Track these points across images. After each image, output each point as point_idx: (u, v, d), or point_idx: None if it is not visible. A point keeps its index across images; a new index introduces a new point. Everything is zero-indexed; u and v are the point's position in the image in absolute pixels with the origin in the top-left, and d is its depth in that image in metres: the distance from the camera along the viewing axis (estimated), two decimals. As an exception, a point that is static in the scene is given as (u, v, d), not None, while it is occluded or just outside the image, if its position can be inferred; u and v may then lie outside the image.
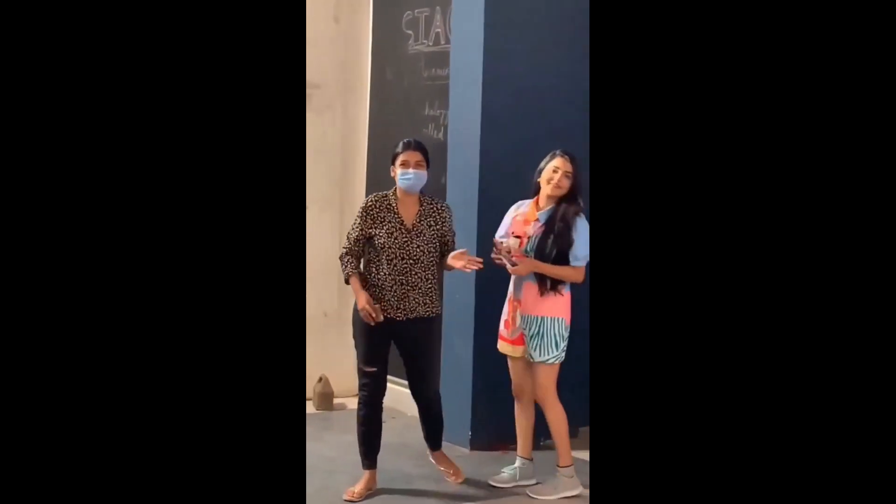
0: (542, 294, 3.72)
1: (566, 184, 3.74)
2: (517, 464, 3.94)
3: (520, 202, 3.90)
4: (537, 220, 3.78)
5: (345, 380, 4.96)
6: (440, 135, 4.94)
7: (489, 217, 4.34)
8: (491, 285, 4.30)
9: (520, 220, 3.83)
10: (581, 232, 3.73)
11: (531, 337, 3.75)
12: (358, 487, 3.70)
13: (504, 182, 4.39)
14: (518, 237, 3.79)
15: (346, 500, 3.64)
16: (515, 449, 3.99)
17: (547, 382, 3.75)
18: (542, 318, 3.73)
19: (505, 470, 3.95)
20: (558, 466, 3.80)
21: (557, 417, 3.76)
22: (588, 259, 3.73)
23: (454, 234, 3.80)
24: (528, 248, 3.75)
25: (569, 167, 3.74)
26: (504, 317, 3.89)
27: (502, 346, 3.91)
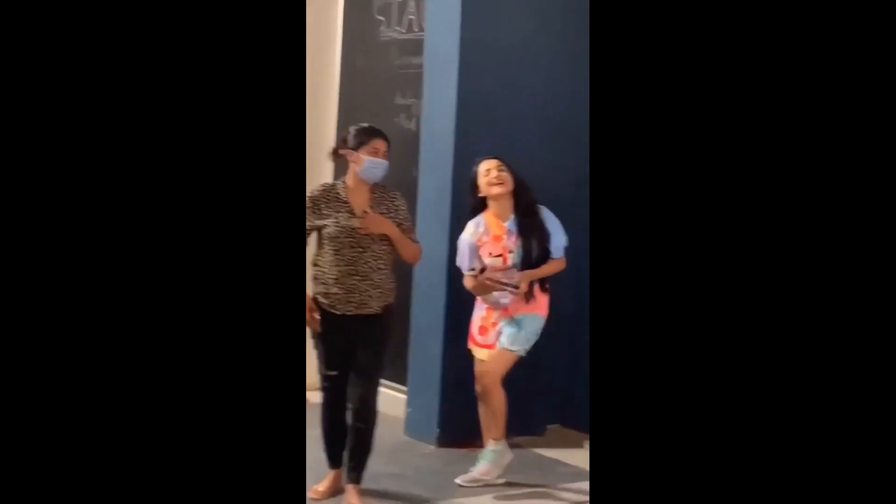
0: (528, 301, 3.70)
1: (506, 177, 3.70)
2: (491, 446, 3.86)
3: (471, 223, 3.77)
4: (508, 231, 3.71)
5: (308, 373, 4.84)
6: (412, 124, 4.84)
7: (463, 211, 4.25)
8: (462, 278, 4.21)
9: (489, 240, 3.73)
10: (551, 222, 3.74)
11: (508, 325, 3.72)
12: (322, 486, 3.59)
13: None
14: (498, 255, 3.71)
15: (310, 499, 3.53)
16: (481, 447, 3.90)
17: (500, 371, 3.73)
18: (526, 315, 3.73)
19: (473, 469, 3.87)
20: (494, 440, 3.79)
21: (502, 402, 3.75)
22: (566, 244, 3.76)
23: (411, 222, 3.62)
24: (515, 262, 3.70)
25: (497, 163, 3.71)
26: (478, 322, 3.84)
27: (475, 350, 3.85)
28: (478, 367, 3.82)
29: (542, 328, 3.76)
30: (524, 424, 4.34)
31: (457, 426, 4.34)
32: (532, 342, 3.74)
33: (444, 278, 4.25)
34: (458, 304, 4.24)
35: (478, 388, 3.77)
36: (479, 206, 3.77)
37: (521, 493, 3.76)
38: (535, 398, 4.32)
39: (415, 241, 3.59)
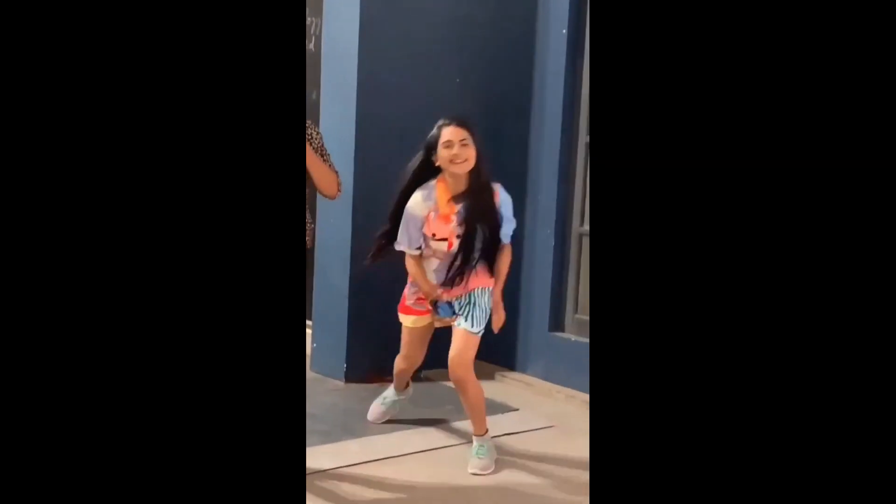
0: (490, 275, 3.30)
1: (469, 153, 3.13)
2: (393, 396, 3.72)
3: (419, 193, 3.19)
4: (458, 212, 3.18)
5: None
6: (310, 44, 4.59)
7: (368, 137, 4.07)
8: (368, 208, 4.05)
9: (435, 220, 3.20)
10: (505, 205, 3.26)
11: (463, 307, 3.29)
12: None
13: (385, 99, 4.10)
14: (443, 240, 3.21)
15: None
16: (391, 381, 3.76)
17: (473, 356, 3.27)
18: (474, 291, 3.29)
19: (382, 402, 3.73)
20: (479, 436, 3.33)
21: (480, 391, 3.34)
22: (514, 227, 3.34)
23: (327, 153, 3.22)
24: (457, 250, 3.22)
25: (462, 134, 3.13)
26: (413, 297, 3.38)
27: (414, 320, 3.40)
28: (414, 341, 3.43)
29: (490, 299, 3.35)
30: (435, 358, 4.24)
31: (364, 361, 4.22)
32: (487, 315, 3.31)
33: (350, 209, 4.07)
34: (363, 236, 4.08)
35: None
36: (432, 171, 3.21)
37: (432, 428, 3.67)
38: (445, 332, 4.21)
39: (333, 169, 3.18)
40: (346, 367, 4.20)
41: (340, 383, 4.19)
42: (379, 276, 3.92)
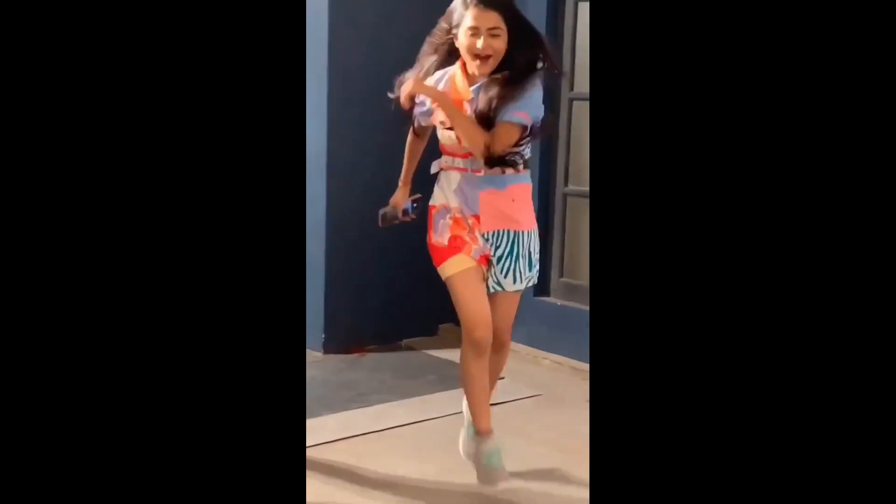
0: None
1: (498, 46, 2.49)
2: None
3: (432, 78, 2.64)
4: (471, 99, 2.56)
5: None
6: None
7: (341, 96, 3.88)
8: (346, 172, 3.89)
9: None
10: (530, 92, 2.54)
11: (500, 259, 2.65)
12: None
13: (358, 52, 3.93)
14: (450, 129, 2.60)
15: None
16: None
17: (513, 315, 2.77)
18: (517, 234, 2.65)
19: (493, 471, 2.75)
20: (485, 433, 2.78)
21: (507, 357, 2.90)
22: (529, 120, 2.53)
23: None
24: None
25: (493, 20, 2.49)
26: (445, 232, 2.65)
27: (457, 262, 2.63)
28: (479, 296, 2.64)
29: (538, 242, 2.74)
30: (416, 325, 4.12)
31: (343, 330, 4.07)
32: (536, 265, 2.72)
33: (324, 172, 3.90)
34: (342, 200, 3.93)
35: (495, 343, 2.71)
36: (452, 54, 2.61)
37: (413, 401, 3.54)
38: (427, 298, 4.07)
39: None
40: (325, 338, 4.06)
41: (319, 354, 4.05)
42: (356, 243, 3.77)
